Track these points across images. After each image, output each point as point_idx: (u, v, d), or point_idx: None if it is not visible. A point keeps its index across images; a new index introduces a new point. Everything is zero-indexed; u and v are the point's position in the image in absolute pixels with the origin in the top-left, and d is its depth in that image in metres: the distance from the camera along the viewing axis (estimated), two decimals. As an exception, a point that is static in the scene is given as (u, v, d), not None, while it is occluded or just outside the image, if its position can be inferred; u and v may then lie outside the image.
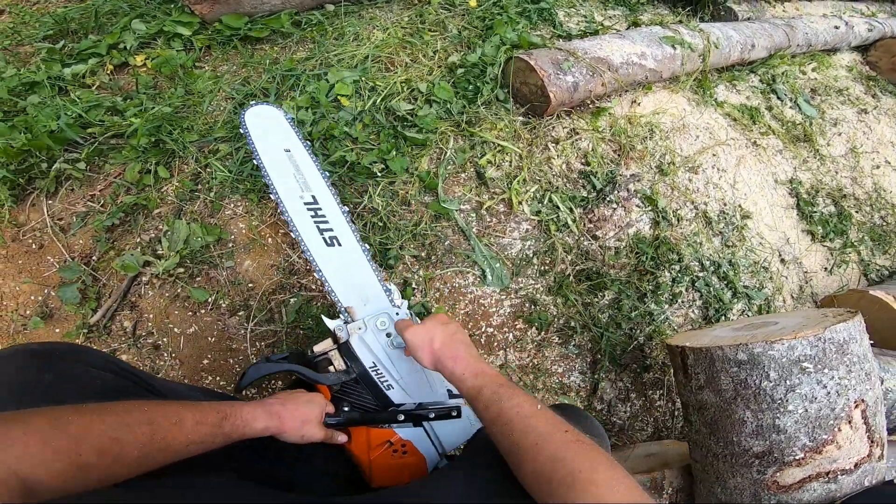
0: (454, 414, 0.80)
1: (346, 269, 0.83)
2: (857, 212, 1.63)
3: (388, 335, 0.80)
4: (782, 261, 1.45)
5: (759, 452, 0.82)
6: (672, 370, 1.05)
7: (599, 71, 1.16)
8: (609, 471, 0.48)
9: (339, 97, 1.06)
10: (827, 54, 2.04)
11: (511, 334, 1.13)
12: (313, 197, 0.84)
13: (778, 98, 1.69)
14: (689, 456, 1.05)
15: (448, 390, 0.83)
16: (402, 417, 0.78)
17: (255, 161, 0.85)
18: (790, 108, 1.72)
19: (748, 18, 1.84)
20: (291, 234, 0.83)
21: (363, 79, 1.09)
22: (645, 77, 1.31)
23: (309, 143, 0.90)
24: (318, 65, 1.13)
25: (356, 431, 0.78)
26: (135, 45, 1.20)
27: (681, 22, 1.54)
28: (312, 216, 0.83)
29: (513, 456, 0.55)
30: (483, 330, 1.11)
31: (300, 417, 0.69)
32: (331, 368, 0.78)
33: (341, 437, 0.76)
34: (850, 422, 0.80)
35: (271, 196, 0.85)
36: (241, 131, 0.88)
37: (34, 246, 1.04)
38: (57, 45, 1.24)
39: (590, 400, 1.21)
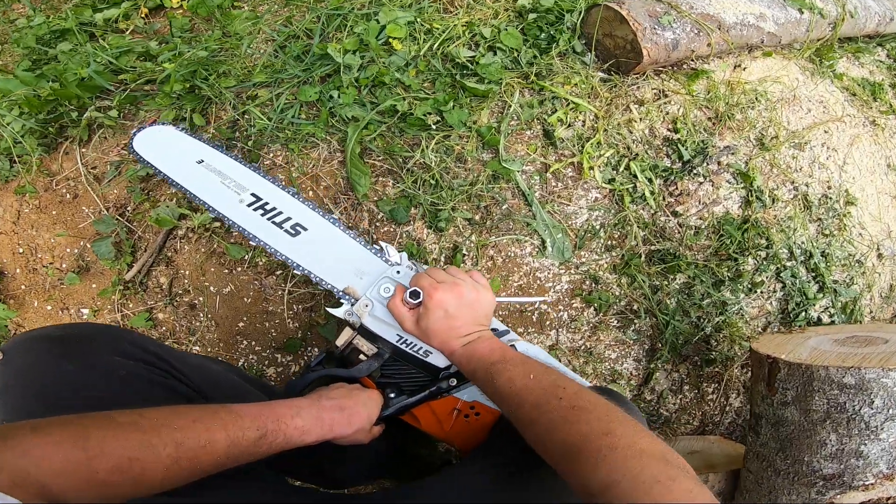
0: None
1: (324, 252, 0.74)
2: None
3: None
4: (879, 256, 1.28)
5: (828, 475, 0.78)
6: (751, 377, 0.95)
7: (707, 29, 0.99)
8: (598, 439, 0.43)
9: (390, 40, 0.94)
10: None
11: (566, 313, 1.02)
12: (253, 195, 0.75)
13: (904, 75, 1.47)
14: (734, 458, 0.98)
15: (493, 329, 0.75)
16: (454, 381, 0.71)
17: (172, 187, 0.77)
18: (916, 86, 1.49)
19: (887, -12, 1.61)
20: (251, 242, 0.74)
21: (418, 20, 0.97)
22: (761, 40, 1.13)
23: (218, 144, 0.81)
24: (367, 3, 1.01)
25: (420, 412, 0.72)
26: (170, -16, 1.11)
27: (811, -16, 1.33)
28: (262, 213, 0.74)
29: (521, 431, 0.53)
30: (537, 306, 1.01)
31: (356, 425, 0.63)
32: (361, 357, 0.71)
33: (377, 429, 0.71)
34: (933, 452, 0.75)
35: (210, 214, 0.76)
36: (139, 164, 0.79)
37: (68, 196, 0.99)
38: (88, -10, 1.17)
39: (640, 389, 1.12)
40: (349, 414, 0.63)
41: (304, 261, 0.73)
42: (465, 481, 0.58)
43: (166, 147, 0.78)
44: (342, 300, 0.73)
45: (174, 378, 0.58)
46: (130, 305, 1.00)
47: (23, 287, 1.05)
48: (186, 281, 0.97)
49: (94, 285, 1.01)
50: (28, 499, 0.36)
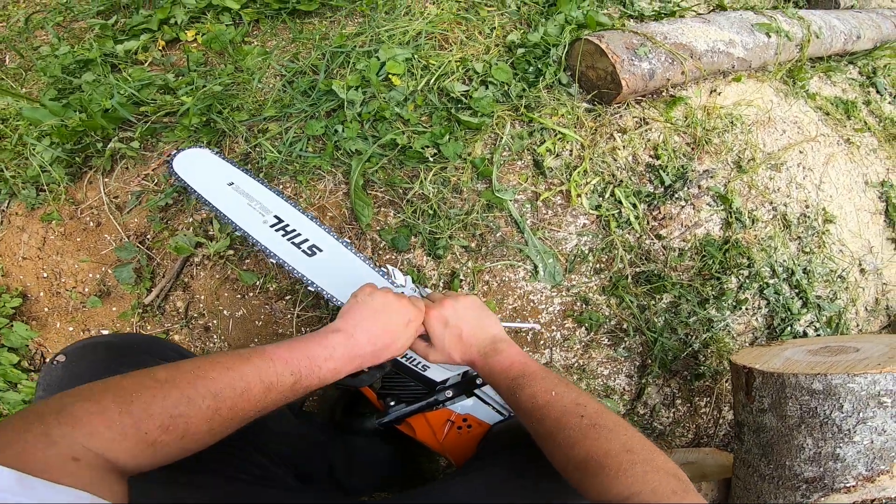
0: None
1: (337, 271, 0.81)
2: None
3: None
4: (861, 271, 1.32)
5: (809, 478, 0.81)
6: (732, 387, 0.99)
7: (680, 58, 1.05)
8: (619, 455, 0.47)
9: (390, 76, 1.00)
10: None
11: (559, 333, 1.08)
12: (276, 217, 0.81)
13: (878, 92, 1.53)
14: (727, 468, 1.02)
15: None
16: (450, 393, 0.76)
17: (204, 207, 0.83)
18: (889, 103, 1.55)
19: (851, 7, 1.68)
20: (271, 260, 0.80)
21: (415, 57, 1.03)
22: (732, 66, 1.18)
23: (246, 168, 0.88)
24: (368, 41, 1.07)
25: (416, 422, 0.77)
26: (185, 20, 1.17)
27: (776, 7, 1.39)
28: (283, 234, 0.81)
29: (538, 442, 0.56)
30: (531, 327, 1.06)
31: (385, 356, 0.65)
32: (365, 369, 0.77)
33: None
34: (911, 453, 0.79)
35: (237, 233, 0.82)
36: (176, 183, 0.85)
37: (92, 224, 1.05)
38: (109, 21, 1.24)
39: (633, 404, 1.16)
40: (383, 346, 0.64)
41: (320, 279, 0.80)
42: (449, 493, 0.62)
43: (201, 169, 0.84)
44: None
45: None
46: (149, 327, 1.06)
47: (45, 309, 1.12)
48: (202, 305, 1.03)
49: (114, 308, 1.08)
50: (93, 473, 0.38)
